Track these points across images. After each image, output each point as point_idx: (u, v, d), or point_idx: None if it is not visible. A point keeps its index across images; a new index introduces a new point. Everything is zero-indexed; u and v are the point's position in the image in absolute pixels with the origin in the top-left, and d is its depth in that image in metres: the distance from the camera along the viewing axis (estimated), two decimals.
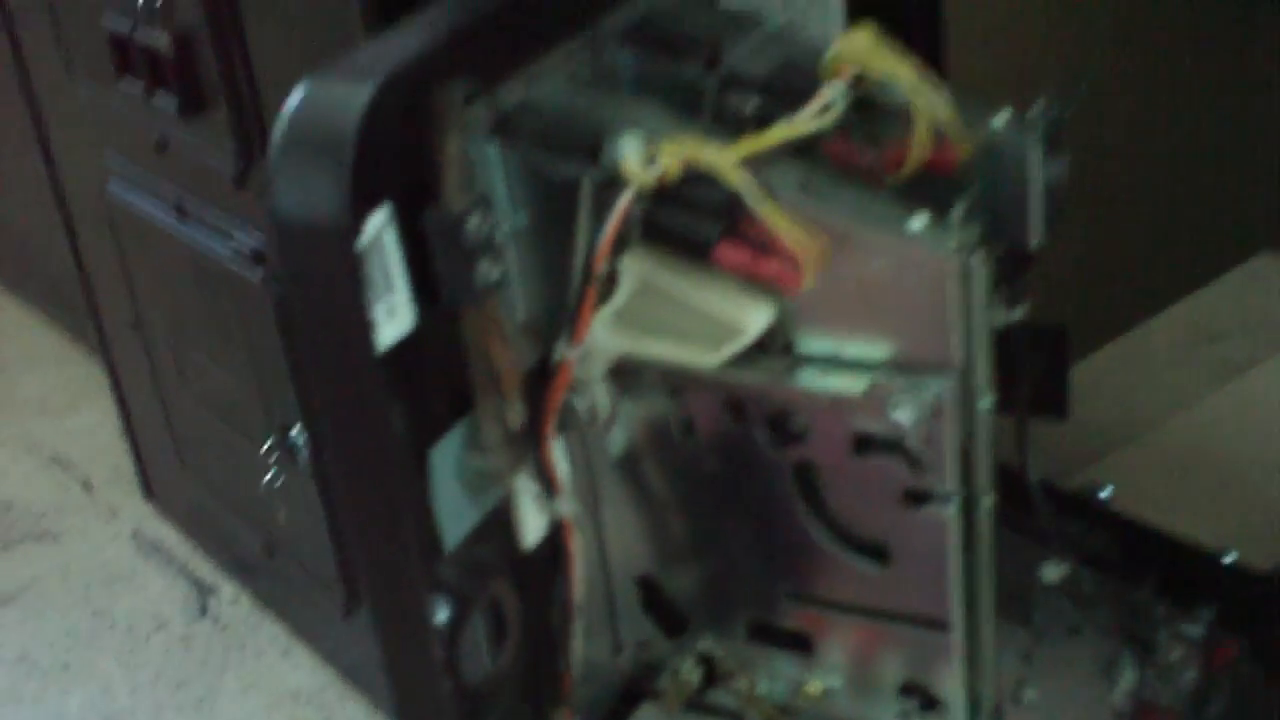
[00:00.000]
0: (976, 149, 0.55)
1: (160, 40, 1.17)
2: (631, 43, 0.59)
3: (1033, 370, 0.63)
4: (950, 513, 0.54)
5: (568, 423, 0.55)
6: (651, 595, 0.61)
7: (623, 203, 0.51)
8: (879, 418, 0.53)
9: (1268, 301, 1.28)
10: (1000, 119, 0.56)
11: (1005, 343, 0.57)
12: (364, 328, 0.46)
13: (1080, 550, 0.70)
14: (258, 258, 1.18)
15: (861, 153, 0.55)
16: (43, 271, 1.78)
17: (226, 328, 1.28)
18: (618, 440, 0.58)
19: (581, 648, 0.58)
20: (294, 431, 1.21)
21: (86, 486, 1.55)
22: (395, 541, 0.50)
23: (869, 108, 0.56)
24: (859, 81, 0.56)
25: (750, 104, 0.57)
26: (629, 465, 0.58)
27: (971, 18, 0.99)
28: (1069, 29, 1.18)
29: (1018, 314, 0.56)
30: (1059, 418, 0.66)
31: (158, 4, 1.14)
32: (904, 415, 0.52)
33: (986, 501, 0.55)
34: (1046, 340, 0.64)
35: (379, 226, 0.46)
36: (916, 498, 0.54)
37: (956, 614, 0.56)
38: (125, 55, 1.24)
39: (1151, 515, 0.84)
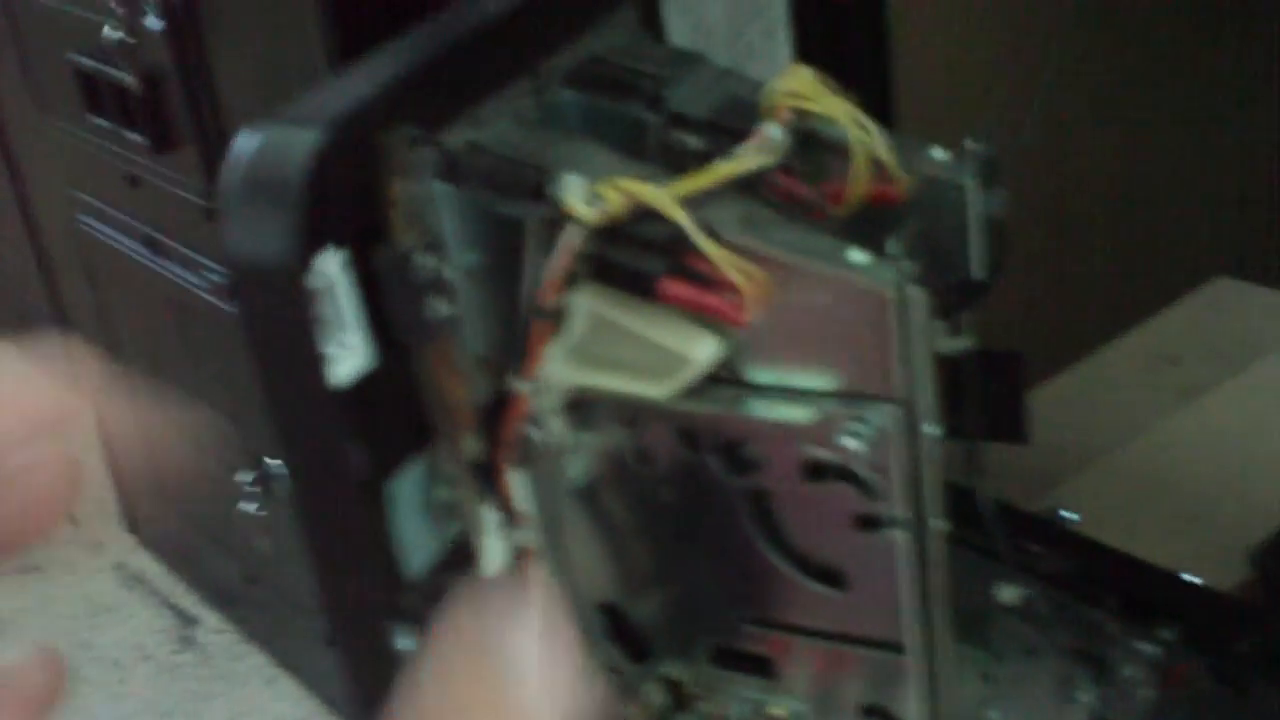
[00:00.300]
0: (916, 184, 0.57)
1: (128, 79, 1.17)
2: (576, 83, 0.60)
3: (988, 395, 0.64)
4: (901, 537, 0.55)
5: (526, 454, 0.56)
6: (615, 622, 0.62)
7: (568, 240, 0.52)
8: (828, 445, 0.54)
9: (1225, 325, 1.29)
10: (937, 153, 0.58)
11: (958, 370, 0.58)
12: (318, 364, 0.47)
13: (1041, 572, 0.71)
14: (231, 289, 1.19)
15: (803, 188, 0.56)
16: (16, 304, 1.79)
17: (201, 359, 1.29)
18: (576, 470, 0.59)
19: None
20: (271, 461, 1.22)
21: (71, 520, 1.56)
22: (357, 571, 0.51)
23: (810, 144, 0.57)
24: (800, 118, 0.57)
25: (694, 141, 0.58)
26: (588, 494, 0.59)
27: (920, 54, 1.00)
28: (1020, 62, 1.19)
29: (964, 343, 0.57)
30: (1018, 441, 0.67)
31: (126, 43, 1.15)
32: (852, 443, 0.53)
33: (936, 525, 0.56)
34: (1001, 365, 0.65)
35: (330, 266, 0.47)
36: (868, 523, 0.55)
37: (912, 636, 0.57)
38: (94, 94, 1.24)
39: (1112, 537, 0.85)
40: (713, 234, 0.51)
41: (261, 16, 1.05)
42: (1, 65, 1.39)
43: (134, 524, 1.52)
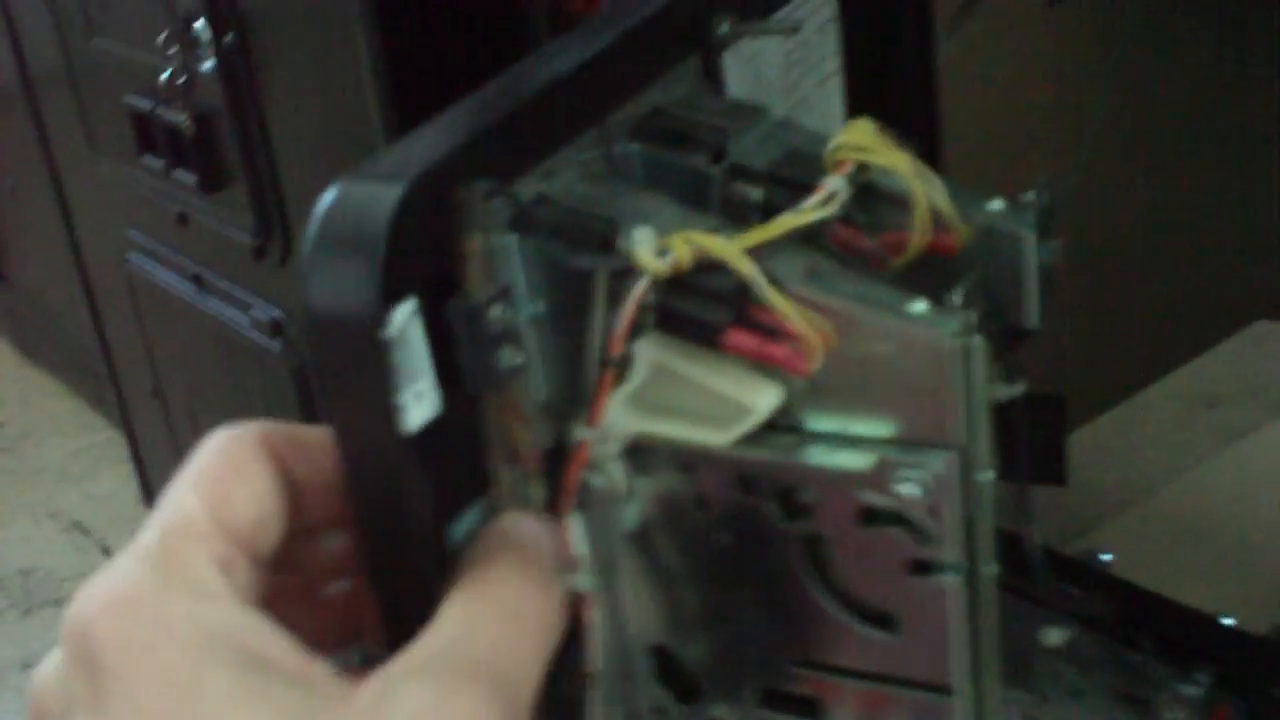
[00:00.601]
0: (973, 234, 0.58)
1: (181, 119, 1.20)
2: (640, 136, 0.61)
3: (1032, 440, 0.65)
4: (954, 581, 0.56)
5: (585, 500, 0.57)
6: (665, 663, 0.63)
7: (637, 291, 0.53)
8: (884, 492, 0.55)
9: (1265, 367, 1.30)
10: (995, 204, 0.59)
11: (1005, 413, 0.59)
12: (393, 413, 0.49)
13: (1079, 614, 0.72)
14: (275, 328, 1.21)
15: (864, 239, 0.58)
16: (64, 340, 1.81)
17: (244, 396, 1.30)
18: (632, 515, 0.60)
19: (600, 716, 0.60)
20: None
21: (106, 552, 1.57)
22: (419, 616, 0.52)
23: (870, 196, 0.59)
24: (860, 171, 0.59)
25: (756, 194, 0.60)
26: (643, 539, 0.60)
27: (967, 106, 1.02)
28: (1064, 108, 1.21)
29: (1018, 389, 0.59)
30: (1058, 484, 0.69)
31: (179, 84, 1.18)
32: (908, 489, 0.54)
33: (989, 570, 0.57)
34: (1045, 409, 0.66)
35: (406, 317, 0.49)
36: (921, 568, 0.56)
37: (962, 679, 0.58)
38: (147, 133, 1.27)
39: (1151, 579, 0.86)
40: (777, 285, 0.53)
41: (312, 59, 1.07)
42: (55, 106, 1.42)
43: None
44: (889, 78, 0.89)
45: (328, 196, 0.49)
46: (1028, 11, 1.18)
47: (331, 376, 0.49)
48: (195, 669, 0.44)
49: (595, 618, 0.58)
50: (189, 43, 1.16)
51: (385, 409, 0.49)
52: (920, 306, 0.53)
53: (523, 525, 0.52)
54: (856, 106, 0.77)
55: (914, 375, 0.54)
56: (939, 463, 0.54)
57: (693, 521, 0.59)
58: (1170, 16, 1.29)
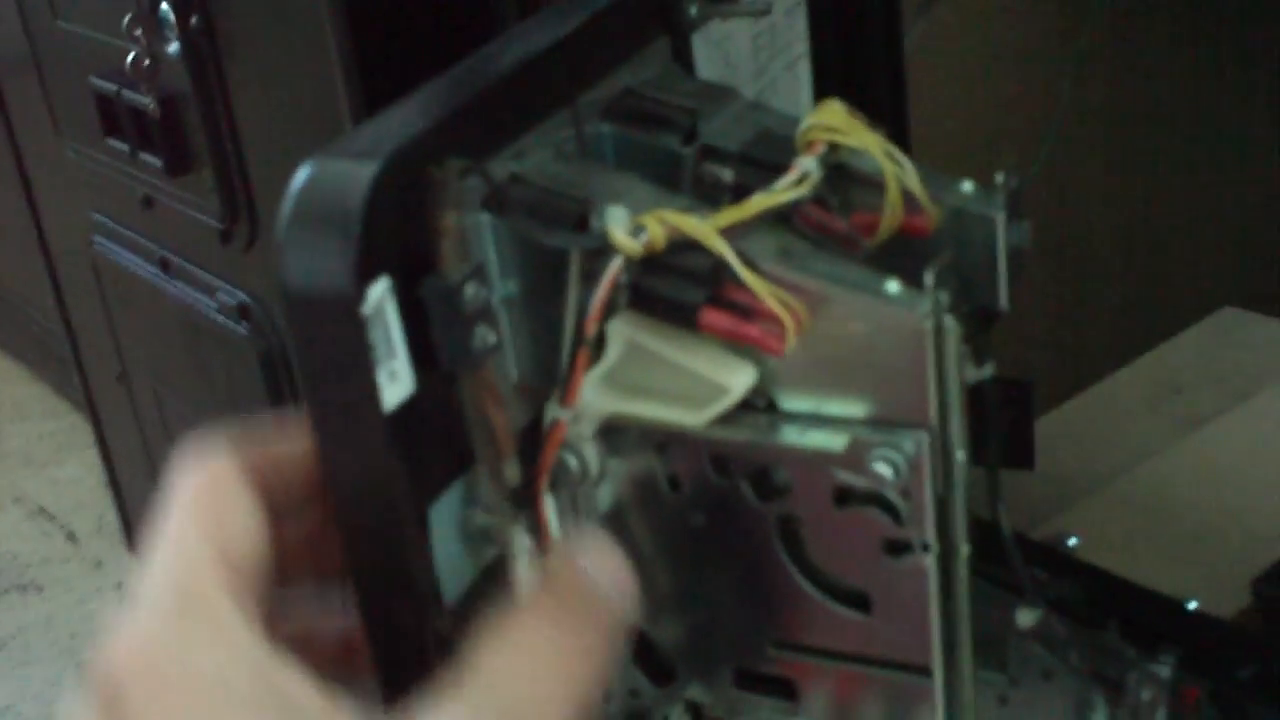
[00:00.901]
0: (944, 216, 0.58)
1: (147, 102, 1.19)
2: (611, 117, 0.61)
3: (1002, 423, 0.65)
4: (929, 561, 0.56)
5: (559, 480, 0.57)
6: (640, 645, 0.63)
7: (611, 271, 0.53)
8: (860, 472, 0.55)
9: (1230, 354, 1.31)
10: (966, 186, 0.59)
11: (974, 397, 0.59)
12: (370, 390, 0.48)
13: (1046, 598, 0.73)
14: (242, 312, 1.20)
15: (835, 220, 0.58)
16: (28, 325, 1.80)
17: (211, 381, 1.30)
18: (605, 495, 0.60)
19: None
20: None
21: (71, 538, 1.56)
22: (398, 596, 0.52)
23: (841, 177, 0.59)
24: (832, 151, 0.59)
25: (727, 174, 0.60)
26: (616, 519, 0.60)
27: (935, 88, 1.02)
28: (1030, 97, 1.21)
29: (987, 371, 0.59)
30: (1026, 468, 0.69)
31: (145, 67, 1.17)
32: (883, 469, 0.54)
33: (963, 550, 0.57)
34: (1014, 394, 0.67)
35: (380, 295, 0.49)
36: (896, 548, 0.56)
37: (937, 659, 0.58)
38: (111, 116, 1.26)
39: (1117, 563, 0.86)
40: (751, 265, 0.53)
41: (279, 42, 1.07)
42: (18, 89, 1.41)
43: (136, 543, 1.53)
44: (857, 62, 0.90)
45: (302, 174, 0.49)
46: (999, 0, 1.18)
47: (308, 355, 0.49)
48: (223, 713, 0.44)
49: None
50: (154, 25, 1.15)
51: (362, 387, 0.48)
52: (894, 286, 0.54)
53: (576, 564, 0.51)
54: (824, 90, 0.77)
55: (887, 355, 0.54)
56: (912, 442, 0.54)
57: (667, 502, 0.59)
58: (1141, 9, 1.30)
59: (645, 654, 0.64)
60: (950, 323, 0.53)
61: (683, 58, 0.67)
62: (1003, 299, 0.60)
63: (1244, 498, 1.10)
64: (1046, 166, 1.03)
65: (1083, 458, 1.16)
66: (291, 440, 0.51)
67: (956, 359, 0.54)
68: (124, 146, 1.22)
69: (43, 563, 1.57)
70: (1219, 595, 0.94)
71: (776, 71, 0.74)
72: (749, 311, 0.53)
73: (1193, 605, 0.86)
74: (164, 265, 1.26)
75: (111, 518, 1.53)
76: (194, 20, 1.09)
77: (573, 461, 0.57)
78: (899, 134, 0.89)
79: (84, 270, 1.40)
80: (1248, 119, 1.38)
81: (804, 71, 0.76)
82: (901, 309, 0.53)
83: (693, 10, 0.66)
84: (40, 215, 1.48)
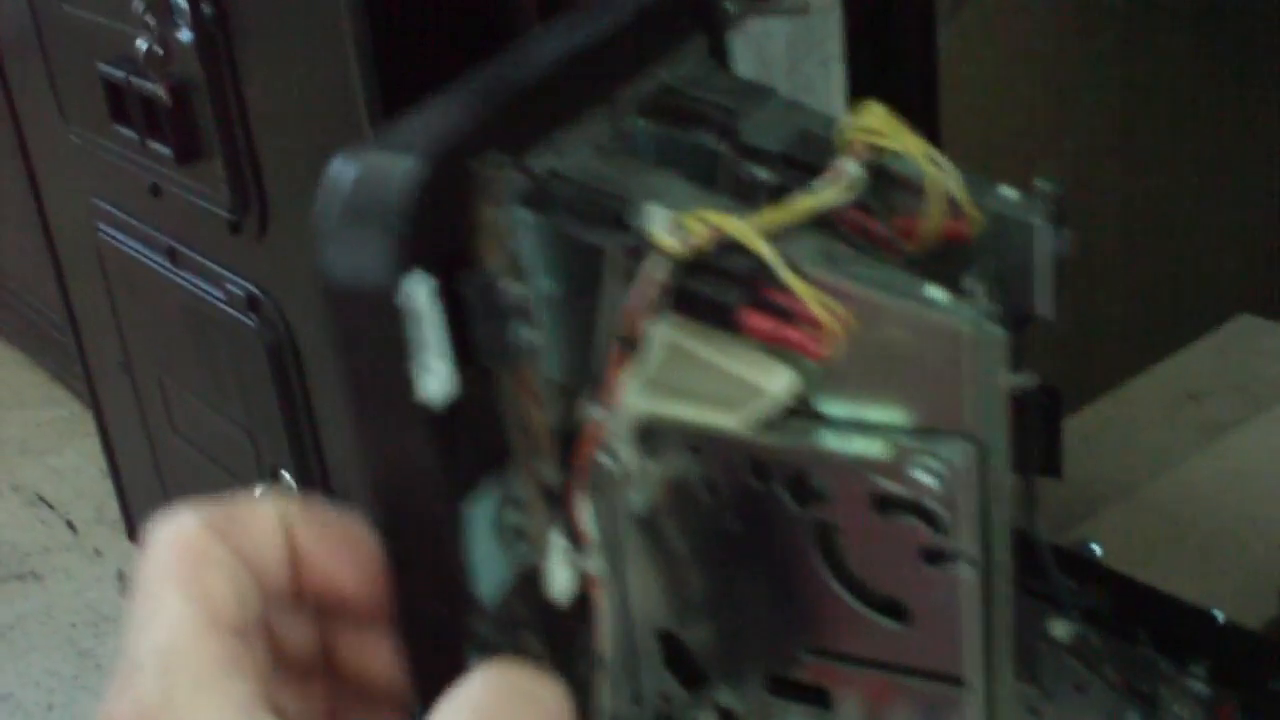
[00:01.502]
0: (987, 221, 0.57)
1: (157, 90, 1.18)
2: (649, 113, 0.60)
3: (1028, 430, 0.64)
4: (969, 572, 0.55)
5: (596, 480, 0.56)
6: (672, 649, 0.62)
7: (651, 270, 0.52)
8: (900, 480, 0.54)
9: (1248, 361, 1.31)
10: (1008, 192, 0.59)
11: (1014, 404, 0.58)
12: (409, 386, 0.48)
13: (1076, 607, 0.72)
14: (251, 303, 1.19)
15: (877, 224, 0.57)
16: (28, 313, 1.79)
17: (218, 371, 1.29)
18: (642, 498, 0.59)
19: (607, 699, 0.59)
20: (284, 473, 1.22)
21: (71, 527, 1.55)
22: (432, 593, 0.51)
23: (882, 180, 0.58)
24: (873, 154, 0.58)
25: (765, 174, 0.59)
26: (652, 522, 0.60)
27: (955, 90, 1.01)
28: (1051, 102, 1.21)
29: (1030, 379, 0.58)
30: (1054, 476, 0.68)
31: (156, 55, 1.15)
32: (924, 477, 0.53)
33: (1003, 561, 0.56)
34: (1042, 400, 0.66)
35: (421, 290, 0.48)
36: (936, 557, 0.55)
37: (975, 671, 0.57)
38: (120, 103, 1.25)
39: (1140, 572, 0.85)
40: (794, 268, 0.52)
41: (294, 30, 1.06)
42: (24, 74, 1.39)
43: (136, 532, 1.53)
44: (891, 62, 0.89)
45: (341, 165, 0.48)
46: (1023, 2, 1.17)
47: (347, 348, 0.48)
48: None
49: (603, 601, 0.57)
50: (166, 12, 1.14)
51: (399, 381, 0.48)
52: (938, 293, 0.53)
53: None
54: (859, 90, 0.76)
55: (933, 363, 0.53)
56: (957, 451, 0.53)
57: (703, 506, 0.59)
58: (1158, 13, 1.30)
59: (676, 657, 0.63)
60: (999, 332, 0.52)
61: (719, 54, 0.66)
62: (1046, 306, 0.59)
63: (1266, 507, 1.09)
64: (1066, 172, 1.03)
65: (1101, 466, 1.15)
66: (261, 515, 0.51)
67: (1000, 367, 0.53)
68: (132, 134, 1.21)
69: (42, 552, 1.55)
70: (1244, 605, 0.93)
71: (811, 69, 0.73)
72: (791, 315, 0.52)
73: (1220, 615, 0.85)
74: (171, 254, 1.25)
75: (111, 506, 1.52)
76: (207, 7, 1.08)
77: (609, 462, 0.56)
78: (931, 135, 0.88)
79: (87, 258, 1.39)
80: (1265, 125, 1.38)
81: (837, 70, 0.75)
82: (949, 317, 0.52)
83: (731, 8, 0.65)
84: (43, 201, 1.46)
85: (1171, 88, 1.32)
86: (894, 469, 0.54)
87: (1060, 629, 0.70)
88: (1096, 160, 1.25)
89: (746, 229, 0.52)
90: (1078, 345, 1.25)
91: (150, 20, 1.14)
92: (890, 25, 0.91)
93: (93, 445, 1.48)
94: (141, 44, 1.14)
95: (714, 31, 0.66)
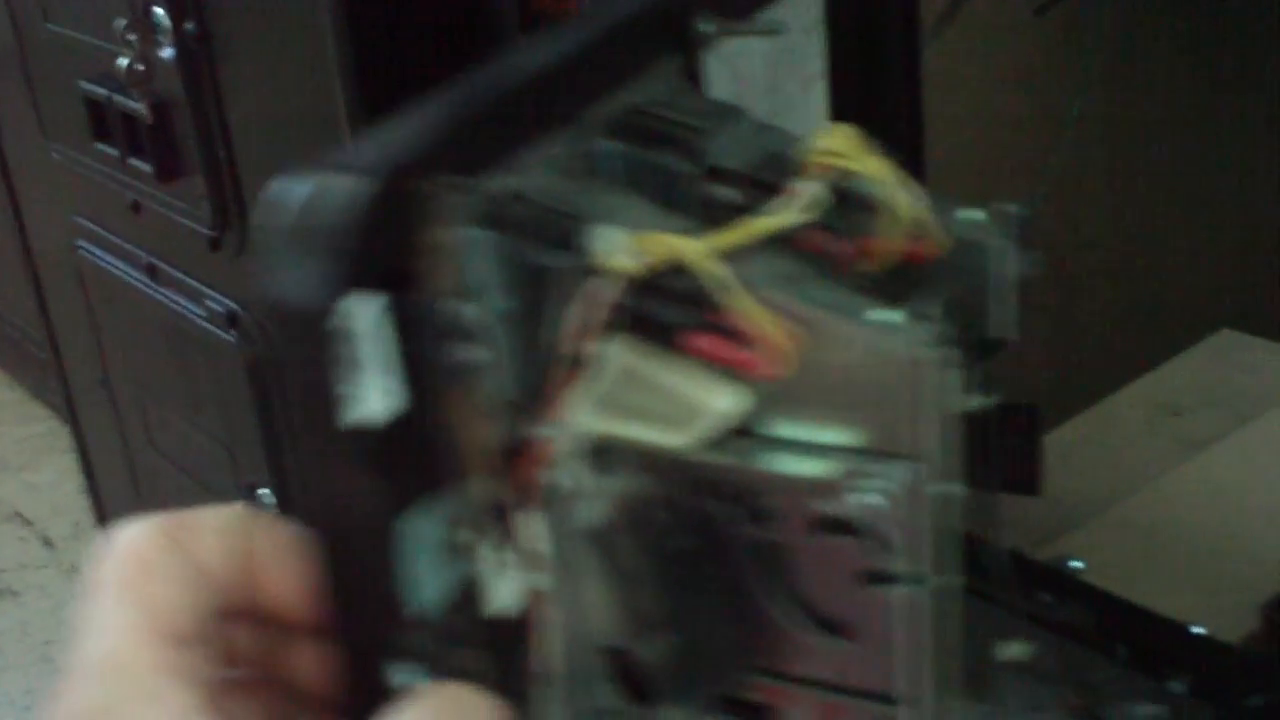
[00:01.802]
0: (951, 244, 0.58)
1: (139, 107, 1.18)
2: (617, 134, 0.60)
3: (1006, 449, 0.64)
4: (916, 594, 0.55)
5: (544, 497, 0.56)
6: (619, 665, 0.62)
7: (593, 289, 0.52)
8: (848, 501, 0.54)
9: (1228, 376, 1.31)
10: (973, 215, 0.59)
11: (978, 423, 0.59)
12: (339, 403, 0.48)
13: (1049, 621, 0.72)
14: (231, 319, 1.19)
15: (835, 244, 0.57)
16: (6, 329, 1.78)
17: (197, 387, 1.29)
18: (589, 514, 0.59)
19: (549, 715, 0.59)
20: (262, 491, 1.22)
21: (47, 543, 1.55)
22: (368, 613, 0.51)
23: (845, 200, 0.58)
24: (838, 175, 0.58)
25: (732, 195, 0.59)
26: (599, 539, 0.60)
27: (940, 107, 1.02)
28: (1038, 118, 1.21)
29: (989, 400, 0.58)
30: (1032, 494, 0.68)
31: (138, 72, 1.16)
32: (873, 499, 0.53)
33: (951, 583, 0.56)
34: (1019, 419, 0.66)
35: (364, 310, 0.48)
36: (883, 578, 0.55)
37: (918, 691, 0.57)
38: (102, 121, 1.25)
39: (1120, 587, 0.85)
40: (746, 289, 0.52)
41: (276, 49, 1.06)
42: (5, 91, 1.40)
43: None
44: (874, 81, 0.89)
45: (289, 187, 0.48)
46: (1010, 21, 1.18)
47: (295, 370, 0.48)
48: None
49: (551, 617, 0.57)
50: (148, 30, 1.14)
51: (334, 399, 0.48)
52: (888, 314, 0.53)
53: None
54: (841, 109, 0.76)
55: (882, 385, 0.53)
56: (902, 474, 0.53)
57: (653, 523, 0.59)
58: (1146, 31, 1.30)
59: (624, 673, 0.63)
60: (947, 354, 0.52)
61: (694, 74, 0.66)
62: (1011, 328, 0.59)
63: (1246, 522, 1.09)
64: (1050, 190, 1.03)
65: (1080, 481, 1.15)
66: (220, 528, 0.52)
67: (953, 390, 0.53)
68: (113, 151, 1.21)
69: (19, 568, 1.55)
70: (1224, 620, 0.93)
71: (792, 90, 0.73)
72: (740, 336, 0.52)
73: (1199, 629, 0.85)
74: (151, 271, 1.25)
75: (88, 522, 1.52)
76: (189, 25, 1.08)
77: (558, 479, 0.56)
78: (915, 153, 0.88)
79: (67, 275, 1.39)
80: (1248, 141, 1.38)
81: (820, 90, 0.75)
82: (898, 339, 0.52)
83: (705, 27, 0.66)
84: (23, 219, 1.47)
85: (1154, 107, 1.32)
86: (838, 490, 0.54)
87: (1017, 649, 0.70)
88: (1079, 178, 1.26)
89: (697, 250, 0.53)
90: (1059, 360, 1.25)
91: (132, 38, 1.14)
92: (874, 44, 0.91)
93: (71, 461, 1.47)
94: (123, 62, 1.14)
95: (688, 52, 0.66)
